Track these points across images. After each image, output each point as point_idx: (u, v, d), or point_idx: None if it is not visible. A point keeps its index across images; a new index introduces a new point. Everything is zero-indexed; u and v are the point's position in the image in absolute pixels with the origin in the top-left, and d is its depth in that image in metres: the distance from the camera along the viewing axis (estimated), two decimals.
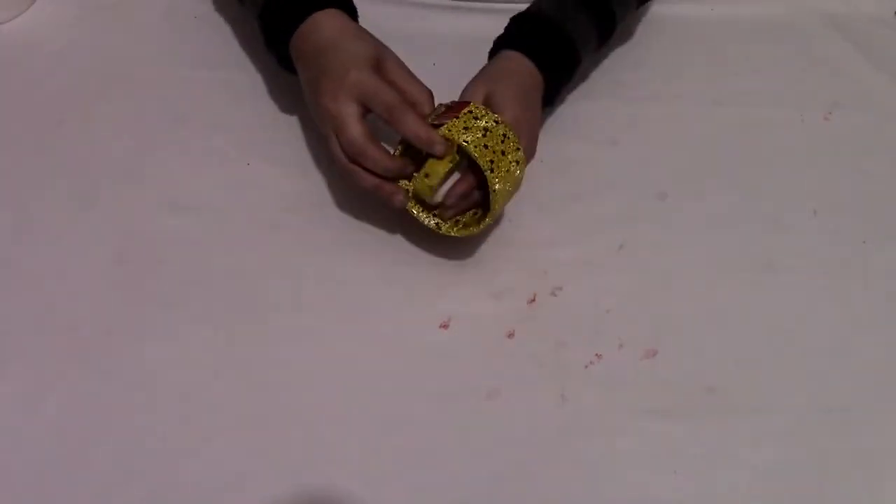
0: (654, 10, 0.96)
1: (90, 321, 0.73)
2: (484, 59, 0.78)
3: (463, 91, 0.75)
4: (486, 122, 0.69)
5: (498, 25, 0.80)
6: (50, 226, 0.78)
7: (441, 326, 0.74)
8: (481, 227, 0.72)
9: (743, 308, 0.76)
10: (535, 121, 0.75)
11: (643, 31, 0.95)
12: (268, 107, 0.85)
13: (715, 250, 0.79)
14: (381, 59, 0.72)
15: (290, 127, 0.84)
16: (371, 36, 0.74)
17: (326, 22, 0.74)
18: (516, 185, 0.72)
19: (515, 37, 0.78)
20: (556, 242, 0.78)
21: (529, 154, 0.74)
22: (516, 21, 0.79)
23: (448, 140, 0.69)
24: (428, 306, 0.75)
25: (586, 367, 0.72)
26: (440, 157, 0.70)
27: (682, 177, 0.83)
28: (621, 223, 0.80)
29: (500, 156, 0.69)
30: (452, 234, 0.74)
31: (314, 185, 0.81)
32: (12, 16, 0.91)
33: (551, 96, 0.78)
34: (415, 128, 0.68)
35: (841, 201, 0.82)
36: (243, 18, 0.91)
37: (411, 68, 0.72)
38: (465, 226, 0.74)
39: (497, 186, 0.68)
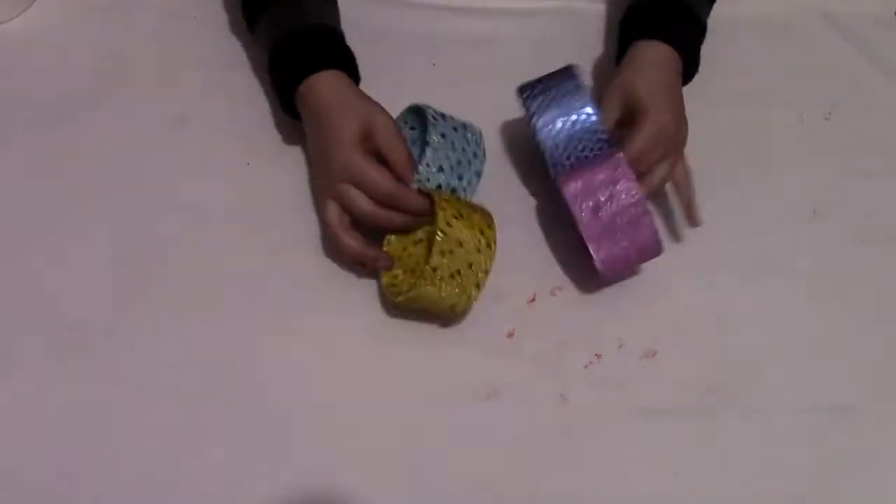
0: None
1: (90, 321, 0.73)
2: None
3: (605, 96, 0.74)
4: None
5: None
6: (50, 226, 0.78)
7: (441, 326, 0.74)
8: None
9: (743, 308, 0.76)
10: (681, 111, 0.76)
11: None
12: (268, 107, 0.85)
13: (714, 250, 0.79)
14: (369, 129, 0.71)
15: (290, 127, 0.84)
16: (361, 101, 0.73)
17: (320, 85, 0.73)
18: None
19: (648, 25, 0.77)
20: (556, 242, 0.78)
21: (683, 138, 0.76)
22: (643, 9, 0.79)
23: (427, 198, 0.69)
24: None
25: (586, 367, 0.72)
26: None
27: None
28: None
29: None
30: (399, 300, 0.70)
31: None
32: (12, 16, 0.91)
33: (691, 72, 0.80)
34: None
35: (841, 201, 0.82)
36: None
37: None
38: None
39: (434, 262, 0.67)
